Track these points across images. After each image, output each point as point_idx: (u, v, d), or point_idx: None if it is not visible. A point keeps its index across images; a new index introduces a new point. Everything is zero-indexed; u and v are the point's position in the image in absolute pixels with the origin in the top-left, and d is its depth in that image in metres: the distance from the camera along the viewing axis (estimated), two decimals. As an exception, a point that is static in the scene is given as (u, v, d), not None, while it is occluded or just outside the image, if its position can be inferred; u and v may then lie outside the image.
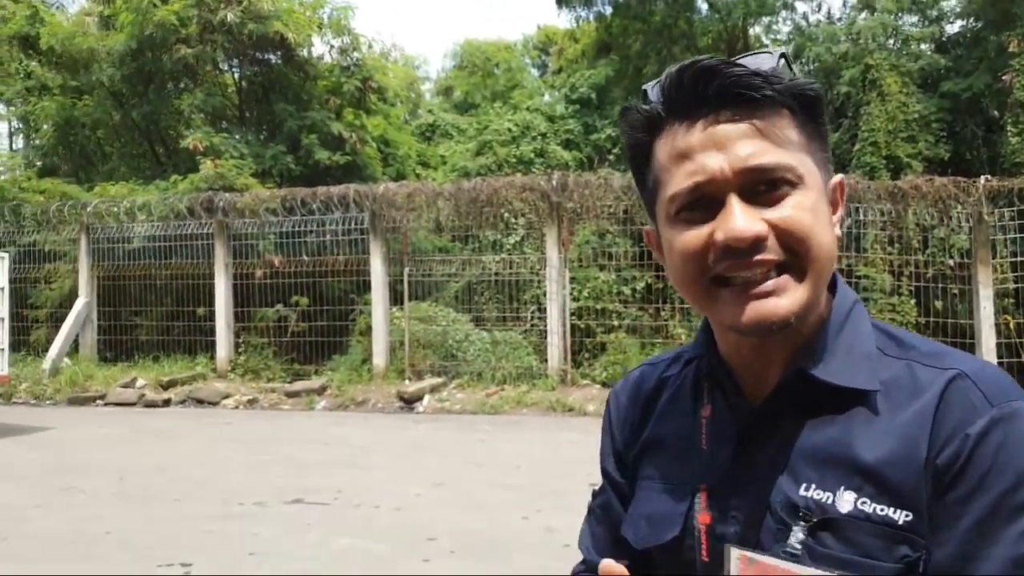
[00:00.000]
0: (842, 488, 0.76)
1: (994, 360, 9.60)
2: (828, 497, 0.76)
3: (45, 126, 16.51)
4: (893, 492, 0.74)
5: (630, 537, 0.92)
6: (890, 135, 11.60)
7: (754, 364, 0.85)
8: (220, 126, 14.53)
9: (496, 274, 11.63)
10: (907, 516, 0.73)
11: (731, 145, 0.77)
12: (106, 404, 10.96)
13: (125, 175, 14.48)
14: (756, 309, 0.77)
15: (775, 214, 0.77)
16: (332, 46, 15.37)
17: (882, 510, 0.74)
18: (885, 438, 0.76)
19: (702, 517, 0.84)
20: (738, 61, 0.81)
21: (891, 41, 12.73)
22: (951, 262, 10.11)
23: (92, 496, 6.10)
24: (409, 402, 10.29)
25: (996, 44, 11.86)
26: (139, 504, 5.87)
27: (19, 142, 19.93)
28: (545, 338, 10.96)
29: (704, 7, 15.59)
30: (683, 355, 0.98)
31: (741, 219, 0.76)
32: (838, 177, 0.86)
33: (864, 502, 0.74)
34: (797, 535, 0.76)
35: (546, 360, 10.87)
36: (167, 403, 10.89)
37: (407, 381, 11.03)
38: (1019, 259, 9.88)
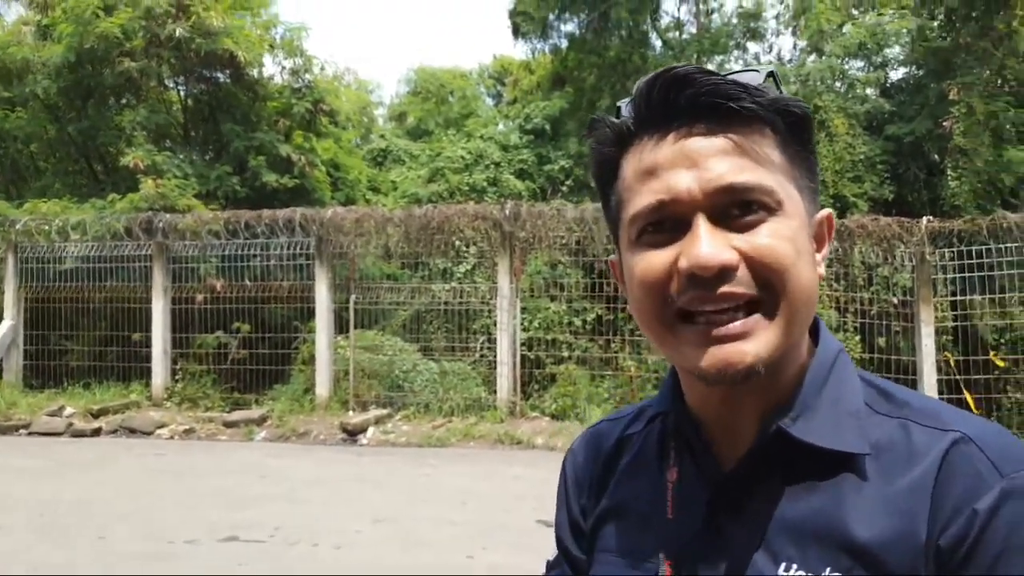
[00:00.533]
0: (828, 569, 0.66)
1: (935, 396, 9.80)
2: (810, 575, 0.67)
3: (-27, 139, 15.79)
4: (882, 569, 0.65)
5: None
6: (837, 175, 11.90)
7: (726, 419, 0.75)
8: (164, 144, 14.09)
9: (446, 303, 11.46)
10: None
11: (703, 161, 0.69)
12: (31, 434, 10.38)
13: (59, 192, 13.90)
14: (720, 353, 0.67)
15: (748, 241, 0.68)
16: (283, 67, 15.16)
17: None
18: (877, 511, 0.66)
19: None
20: (726, 76, 0.72)
21: (838, 84, 13.15)
22: (895, 300, 10.32)
23: (8, 532, 5.74)
24: (353, 434, 9.98)
25: (937, 91, 12.32)
26: (59, 541, 5.54)
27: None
28: (495, 369, 10.79)
29: (658, 44, 15.92)
30: (647, 410, 0.86)
31: (707, 244, 0.67)
32: (825, 211, 0.78)
33: None
34: None
35: (495, 391, 10.69)
36: (97, 432, 10.36)
37: (351, 412, 10.71)
38: (958, 298, 10.13)
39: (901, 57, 13.93)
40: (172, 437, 10.22)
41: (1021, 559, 0.62)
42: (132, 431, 10.38)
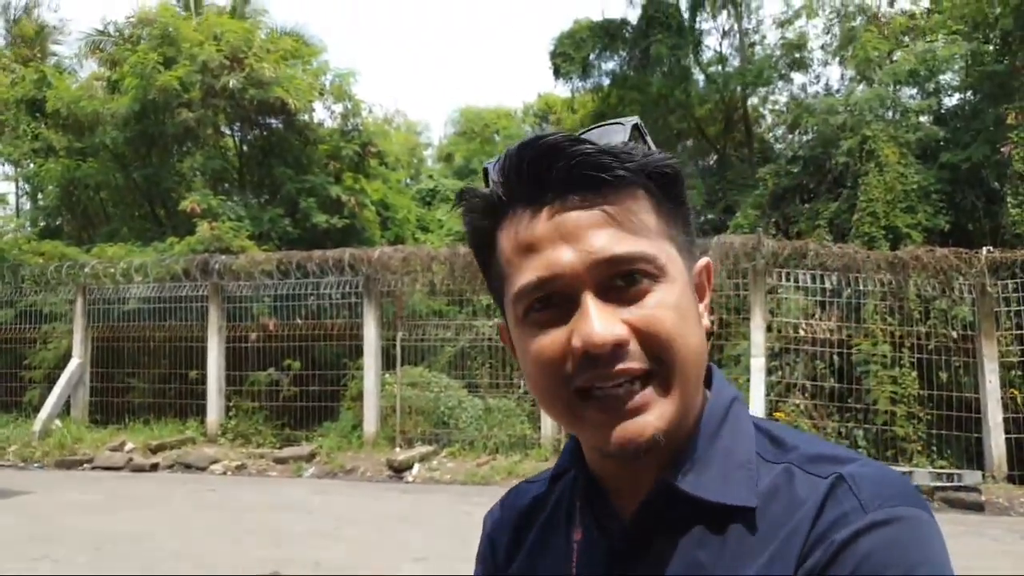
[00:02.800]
0: None
1: (1001, 436, 9.33)
2: None
3: (50, 187, 16.72)
4: None
5: None
6: (888, 205, 11.56)
7: (624, 479, 0.75)
8: (220, 189, 14.67)
9: (490, 339, 11.50)
10: None
11: (582, 235, 0.68)
12: (93, 468, 10.76)
13: (126, 236, 14.58)
14: (622, 432, 0.68)
15: (635, 313, 0.68)
16: (333, 111, 15.67)
17: None
18: (754, 562, 0.67)
19: None
20: (584, 136, 0.72)
21: (889, 113, 12.85)
22: (954, 334, 9.91)
23: (65, 565, 5.93)
24: (398, 471, 10.04)
25: (994, 116, 11.93)
26: (112, 574, 5.68)
27: (25, 203, 20.18)
28: (538, 406, 10.73)
29: (701, 78, 15.88)
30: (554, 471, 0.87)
31: (598, 323, 0.66)
32: (703, 261, 0.78)
33: None
34: None
35: (540, 428, 10.63)
36: (155, 468, 10.68)
37: (397, 448, 10.78)
38: (1024, 332, 9.69)
39: (955, 83, 13.55)
40: (225, 473, 10.45)
41: None
42: (187, 466, 10.66)
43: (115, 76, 14.76)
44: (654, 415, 0.68)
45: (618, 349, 0.67)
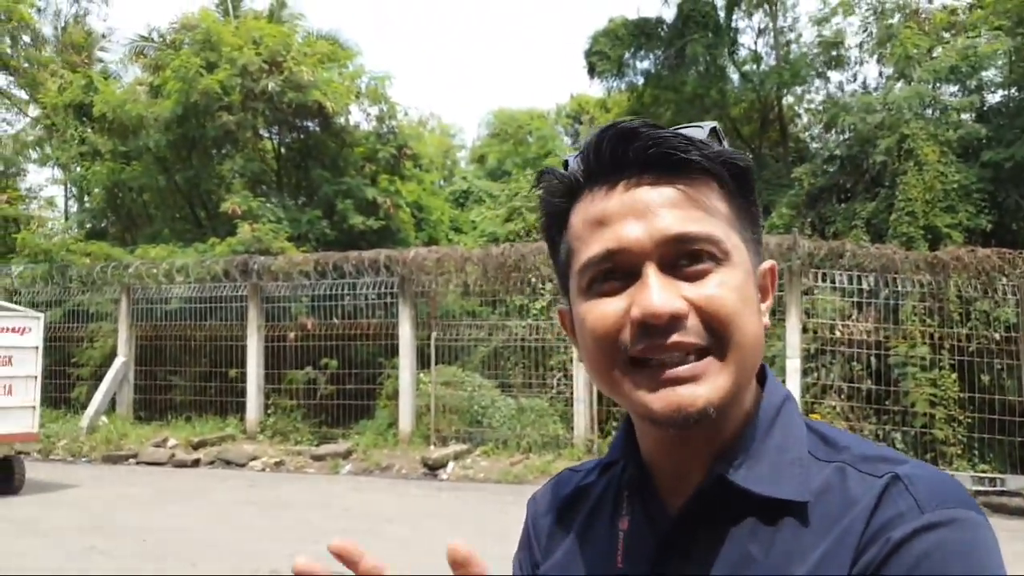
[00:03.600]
0: None
1: (1046, 440, 9.13)
2: None
3: (96, 190, 17.18)
4: None
5: None
6: (928, 205, 11.35)
7: (676, 466, 0.76)
8: (259, 190, 14.94)
9: (523, 340, 11.56)
10: None
11: (652, 211, 0.70)
12: (138, 463, 11.08)
13: (168, 237, 14.93)
14: (672, 396, 0.68)
15: (696, 291, 0.69)
16: (369, 114, 15.85)
17: None
18: (809, 556, 0.66)
19: None
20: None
21: (929, 111, 12.60)
22: (996, 336, 9.72)
23: (112, 557, 6.15)
24: (433, 468, 10.16)
25: (1038, 113, 11.67)
26: (157, 566, 5.90)
27: (72, 205, 20.77)
28: (571, 406, 10.79)
29: (736, 77, 15.74)
30: (603, 462, 0.88)
31: (658, 293, 0.68)
32: (768, 263, 0.79)
33: None
34: None
35: (572, 428, 10.67)
36: (196, 463, 10.95)
37: (432, 447, 10.90)
38: (1069, 333, 9.46)
39: (998, 79, 13.25)
40: (263, 469, 10.66)
41: None
42: (227, 462, 10.91)
43: (158, 81, 15.13)
44: (706, 386, 0.68)
45: (675, 321, 0.68)
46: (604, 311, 0.71)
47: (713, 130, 0.76)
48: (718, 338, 0.69)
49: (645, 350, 0.69)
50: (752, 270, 0.74)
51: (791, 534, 0.68)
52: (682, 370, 0.68)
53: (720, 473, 0.71)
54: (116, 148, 15.69)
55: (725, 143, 0.76)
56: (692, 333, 0.68)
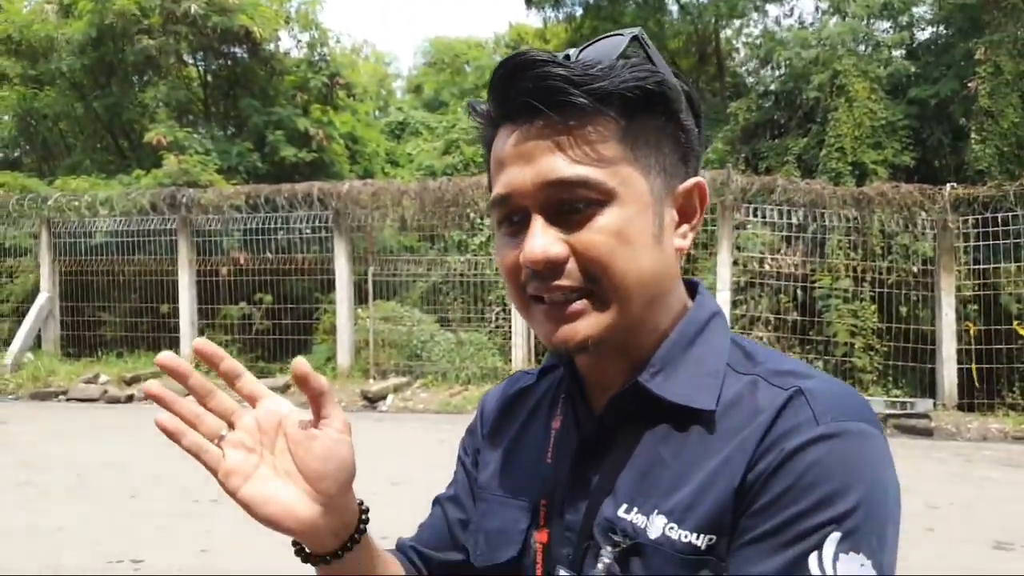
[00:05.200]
0: (655, 512, 0.72)
1: (954, 367, 9.70)
2: (643, 521, 0.72)
3: (6, 117, 16.17)
4: (702, 516, 0.69)
5: (470, 551, 0.89)
6: (856, 141, 11.63)
7: (599, 376, 0.81)
8: (185, 120, 14.30)
9: (461, 275, 11.58)
10: (710, 540, 0.69)
11: (536, 157, 0.72)
12: (68, 400, 10.80)
13: (89, 169, 14.24)
14: (556, 330, 0.74)
15: (576, 236, 0.72)
16: (299, 41, 15.23)
17: (686, 536, 0.69)
18: (711, 460, 0.71)
19: (540, 535, 0.80)
20: (585, 48, 0.75)
21: (862, 47, 12.77)
22: (914, 269, 10.17)
23: (46, 492, 6.06)
24: (373, 401, 10.22)
25: (964, 51, 11.94)
26: (93, 500, 5.84)
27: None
28: (510, 339, 10.93)
29: (675, 9, 15.61)
30: (545, 366, 0.94)
31: (537, 240, 0.72)
32: (692, 181, 0.78)
33: (672, 527, 0.70)
34: (603, 560, 0.73)
35: (511, 361, 10.84)
36: (130, 399, 10.75)
37: (371, 380, 10.95)
38: (982, 266, 9.96)
39: (928, 16, 13.50)
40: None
41: (804, 495, 0.65)
42: (161, 399, 10.73)
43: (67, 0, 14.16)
44: (585, 324, 0.73)
45: (554, 266, 0.71)
46: (506, 254, 0.76)
47: (634, 39, 0.75)
48: (595, 281, 0.72)
49: (535, 289, 0.74)
50: (656, 199, 0.74)
51: (698, 440, 0.73)
52: (562, 310, 0.73)
53: (637, 381, 0.75)
54: (25, 72, 14.72)
55: (651, 50, 0.75)
56: (571, 277, 0.72)
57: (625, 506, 0.74)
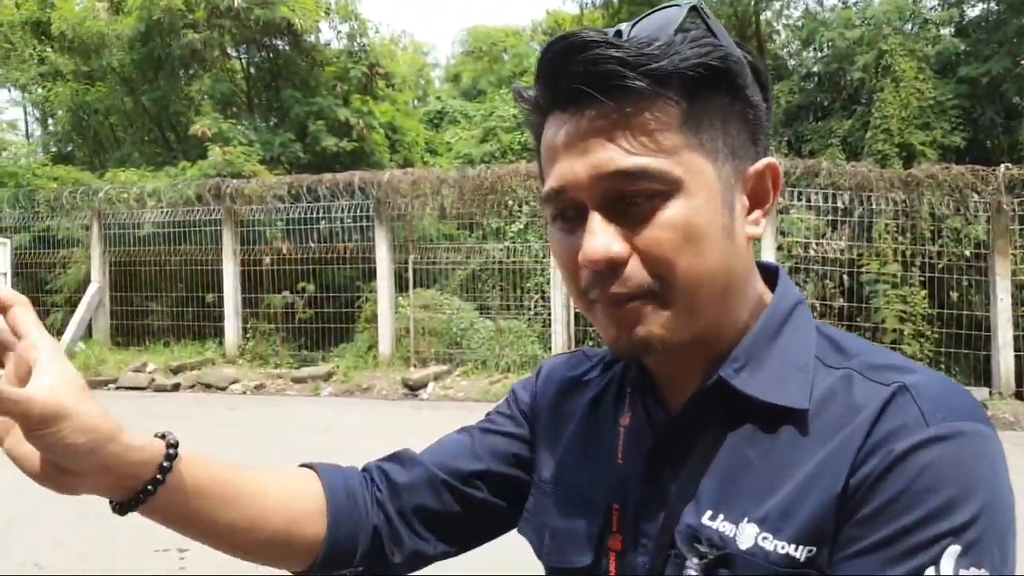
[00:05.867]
0: (746, 520, 0.66)
1: (1011, 354, 9.41)
2: (731, 529, 0.66)
3: (60, 112, 16.64)
4: (800, 525, 0.64)
5: (532, 544, 0.85)
6: (903, 122, 11.33)
7: (673, 371, 0.75)
8: (229, 112, 14.56)
9: (500, 262, 11.60)
10: (809, 552, 0.63)
11: (590, 148, 0.66)
12: (118, 388, 11.10)
13: (137, 161, 14.58)
14: (620, 333, 0.69)
15: (639, 233, 0.66)
16: (339, 32, 15.36)
17: (783, 547, 0.64)
18: (806, 463, 0.65)
19: (613, 542, 0.75)
20: (637, 23, 0.69)
21: (908, 26, 12.43)
22: (966, 253, 9.88)
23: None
24: (414, 389, 10.31)
25: (1017, 27, 11.55)
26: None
27: (36, 128, 20.13)
28: (549, 327, 10.92)
29: (715, -10, 15.35)
30: (607, 359, 0.88)
31: (597, 239, 0.66)
32: (763, 162, 0.72)
33: (765, 537, 0.65)
34: (689, 571, 0.67)
35: (550, 348, 10.83)
36: (176, 388, 11.01)
37: (412, 368, 11.04)
38: (1037, 250, 9.64)
39: (979, -8, 13.09)
40: (244, 392, 10.76)
41: (917, 504, 0.60)
42: (207, 386, 10.98)
43: (117, -4, 14.50)
44: (649, 326, 0.68)
45: (614, 266, 0.67)
46: (563, 253, 0.71)
47: (692, 8, 0.69)
48: (661, 279, 0.67)
49: (596, 294, 0.69)
50: (724, 186, 0.69)
51: (790, 441, 0.67)
52: (626, 311, 0.68)
53: (719, 376, 0.70)
54: (78, 68, 15.12)
55: (711, 21, 0.70)
56: (634, 276, 0.67)
57: (710, 512, 0.68)
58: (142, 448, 0.69)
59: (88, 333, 12.84)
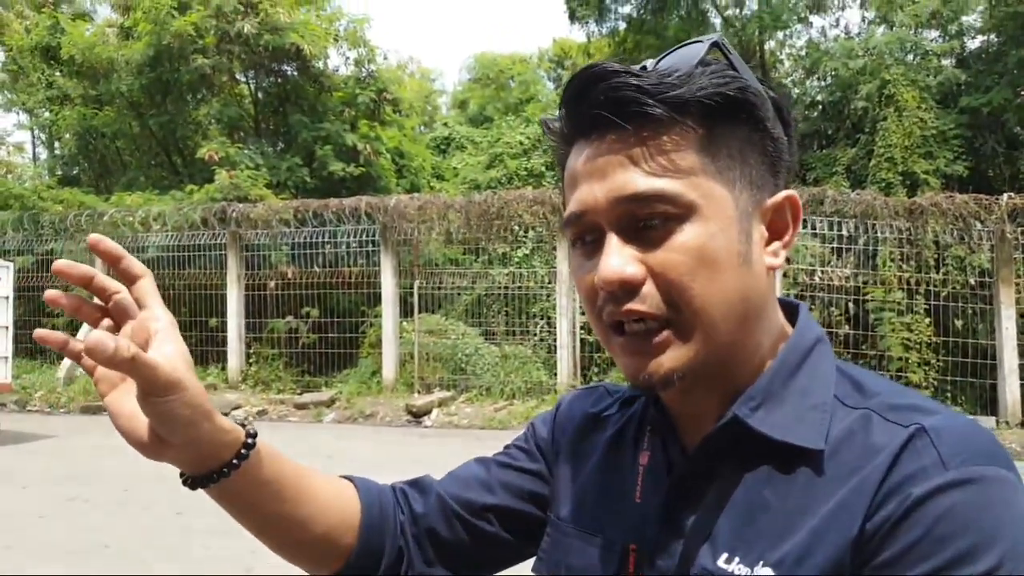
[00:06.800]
0: (760, 563, 0.65)
1: (1016, 382, 9.38)
2: (746, 572, 0.65)
3: (67, 135, 16.75)
4: (815, 569, 0.62)
5: None
6: (907, 151, 11.43)
7: (690, 409, 0.75)
8: (236, 137, 14.65)
9: (505, 288, 11.59)
10: None
11: (610, 171, 0.68)
12: (119, 414, 11.01)
13: (143, 185, 14.64)
14: (638, 364, 0.69)
15: (654, 256, 0.67)
16: (348, 58, 15.52)
17: None
18: (823, 505, 0.64)
19: None
20: (664, 58, 0.71)
21: (910, 56, 12.58)
22: (970, 281, 9.90)
23: (94, 506, 6.12)
24: (417, 416, 10.23)
25: (1017, 59, 11.68)
26: (141, 516, 5.87)
27: (42, 151, 20.27)
28: (554, 352, 10.89)
29: (718, 22, 15.55)
30: (625, 396, 0.88)
31: (612, 260, 0.67)
32: (783, 194, 0.72)
33: None
34: None
35: (555, 375, 10.79)
36: (178, 413, 10.93)
37: (416, 394, 10.98)
38: (1041, 278, 9.65)
39: (978, 24, 13.23)
40: (246, 417, 10.66)
41: (938, 550, 0.58)
42: (210, 412, 10.90)
43: (128, 22, 14.65)
44: (668, 358, 0.67)
45: (629, 288, 0.67)
46: (582, 275, 0.71)
47: (714, 44, 0.70)
48: (675, 308, 0.67)
49: (611, 316, 0.69)
50: (741, 215, 0.69)
51: (806, 482, 0.66)
52: (644, 343, 0.68)
53: (735, 414, 0.69)
54: (86, 92, 15.25)
55: (732, 56, 0.71)
56: (648, 301, 0.67)
57: (726, 555, 0.67)
58: (229, 432, 0.73)
59: (90, 357, 12.77)
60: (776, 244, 0.72)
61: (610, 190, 0.67)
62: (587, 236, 0.71)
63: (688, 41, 0.71)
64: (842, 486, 0.64)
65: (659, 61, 0.70)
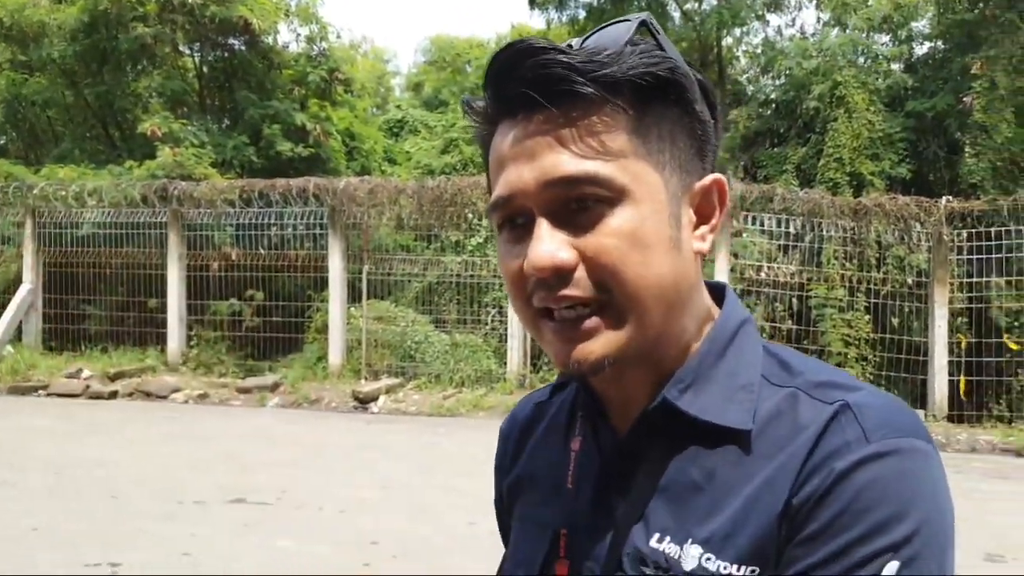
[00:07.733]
0: (689, 541, 0.66)
1: (945, 378, 9.74)
2: (676, 551, 0.67)
3: (-7, 103, 15.90)
4: (742, 545, 0.64)
5: None
6: (855, 152, 11.71)
7: (619, 393, 0.74)
8: (179, 112, 14.12)
9: (458, 275, 11.49)
10: (752, 571, 0.64)
11: (537, 155, 0.65)
12: (49, 395, 10.59)
13: (78, 158, 14.01)
14: (568, 351, 0.67)
15: (586, 241, 0.65)
16: (299, 34, 15.12)
17: (725, 568, 0.64)
18: (750, 483, 0.66)
19: (559, 566, 0.74)
20: (589, 37, 0.69)
21: (862, 59, 12.89)
22: (908, 280, 10.23)
23: (23, 491, 5.90)
24: (364, 402, 10.11)
25: (960, 66, 12.05)
26: (72, 500, 5.69)
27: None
28: (505, 341, 10.86)
29: (677, 16, 15.65)
30: (556, 383, 0.88)
31: (543, 246, 0.65)
32: (710, 178, 0.71)
33: (709, 558, 0.65)
34: None
35: (506, 364, 10.76)
36: (113, 395, 10.56)
37: (363, 381, 10.84)
38: (974, 280, 10.03)
39: (927, 31, 13.62)
40: (186, 401, 10.39)
41: (859, 520, 0.60)
42: (148, 395, 10.57)
43: (62, -16, 13.96)
44: (599, 343, 0.66)
45: (561, 273, 0.65)
46: (509, 262, 0.69)
47: (642, 23, 0.68)
48: (607, 291, 0.66)
49: (541, 299, 0.67)
50: (671, 197, 0.68)
51: (734, 461, 0.67)
52: (574, 328, 0.67)
53: (665, 399, 0.70)
54: (15, 57, 14.47)
55: (661, 36, 0.69)
56: (579, 286, 0.66)
57: (657, 535, 0.68)
58: None
59: (17, 336, 12.23)
60: (703, 228, 0.72)
61: (540, 172, 0.65)
62: (516, 219, 0.69)
63: (615, 20, 0.70)
64: (769, 464, 0.65)
65: (586, 39, 0.69)
